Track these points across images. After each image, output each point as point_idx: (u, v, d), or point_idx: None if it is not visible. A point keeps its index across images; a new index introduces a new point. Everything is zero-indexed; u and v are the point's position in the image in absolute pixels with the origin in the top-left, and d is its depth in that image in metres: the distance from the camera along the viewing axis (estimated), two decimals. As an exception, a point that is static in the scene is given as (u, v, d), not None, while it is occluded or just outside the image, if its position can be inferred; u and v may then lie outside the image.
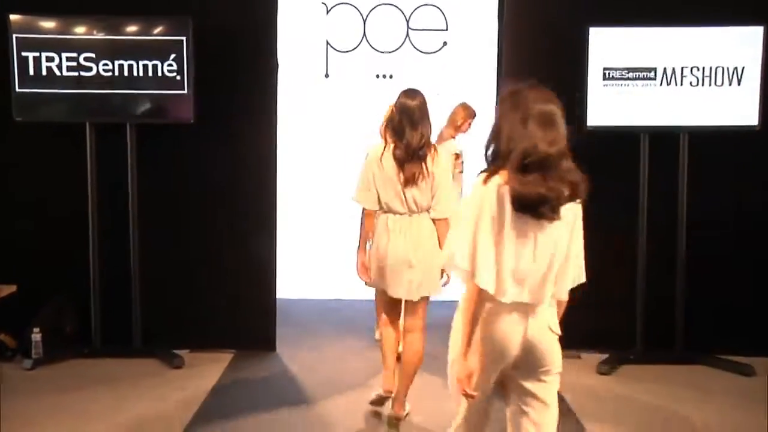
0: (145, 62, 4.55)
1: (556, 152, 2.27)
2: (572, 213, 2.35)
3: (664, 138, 4.70)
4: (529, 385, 2.35)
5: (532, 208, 2.25)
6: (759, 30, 4.50)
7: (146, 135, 4.73)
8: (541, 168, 2.25)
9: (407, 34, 6.42)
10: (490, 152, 2.34)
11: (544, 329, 2.33)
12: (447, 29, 6.40)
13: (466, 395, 2.30)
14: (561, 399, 4.13)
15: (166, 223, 4.90)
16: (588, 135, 4.64)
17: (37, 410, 3.99)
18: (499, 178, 2.29)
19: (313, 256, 6.55)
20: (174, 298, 4.91)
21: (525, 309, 2.31)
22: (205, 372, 4.57)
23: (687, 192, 4.69)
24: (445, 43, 6.43)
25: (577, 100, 4.58)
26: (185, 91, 4.56)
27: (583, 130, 4.60)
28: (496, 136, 2.33)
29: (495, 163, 2.31)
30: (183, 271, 4.91)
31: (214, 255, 4.91)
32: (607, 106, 4.60)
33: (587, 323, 4.77)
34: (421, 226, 3.59)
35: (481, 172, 2.33)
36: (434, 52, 6.42)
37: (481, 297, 2.28)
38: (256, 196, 4.88)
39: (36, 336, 4.65)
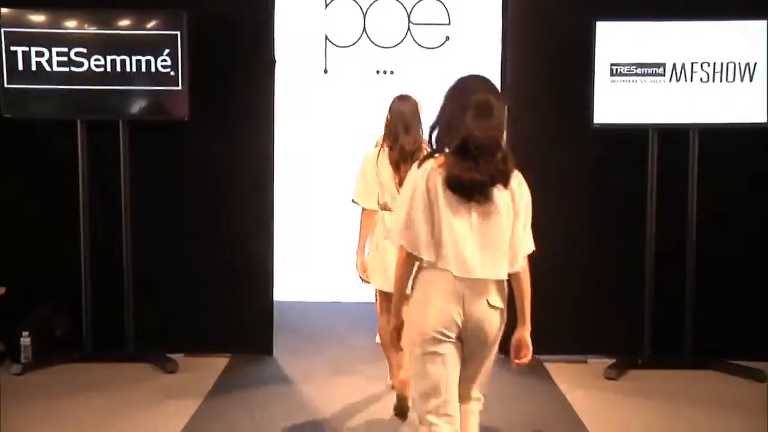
0: (139, 57, 4.53)
1: (490, 141, 2.53)
2: (522, 189, 2.63)
3: (673, 136, 4.68)
4: (470, 345, 2.60)
5: (464, 190, 2.52)
6: (771, 24, 4.47)
7: (139, 133, 4.71)
8: (477, 154, 2.51)
9: (408, 29, 6.41)
10: (433, 137, 2.62)
11: (485, 305, 2.56)
12: (449, 24, 6.39)
13: (400, 349, 2.76)
14: (567, 405, 4.18)
15: (160, 224, 4.88)
16: (595, 133, 4.65)
17: (26, 417, 3.97)
18: (433, 162, 2.57)
19: (311, 258, 6.54)
20: (168, 301, 4.90)
21: (470, 283, 2.55)
22: (199, 377, 4.56)
23: (697, 191, 4.67)
24: (447, 38, 6.42)
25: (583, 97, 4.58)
26: (180, 88, 4.55)
27: (590, 127, 4.60)
28: (438, 123, 2.62)
29: (437, 147, 2.61)
30: (177, 273, 4.89)
31: (209, 256, 4.91)
32: (615, 103, 4.58)
33: (593, 327, 4.87)
34: None
35: (423, 159, 2.63)
36: (436, 48, 6.40)
37: (412, 264, 2.61)
38: (253, 196, 4.87)
39: (25, 340, 4.63)
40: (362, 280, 4.04)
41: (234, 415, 4.05)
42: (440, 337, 2.55)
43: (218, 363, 4.79)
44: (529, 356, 2.73)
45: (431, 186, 2.56)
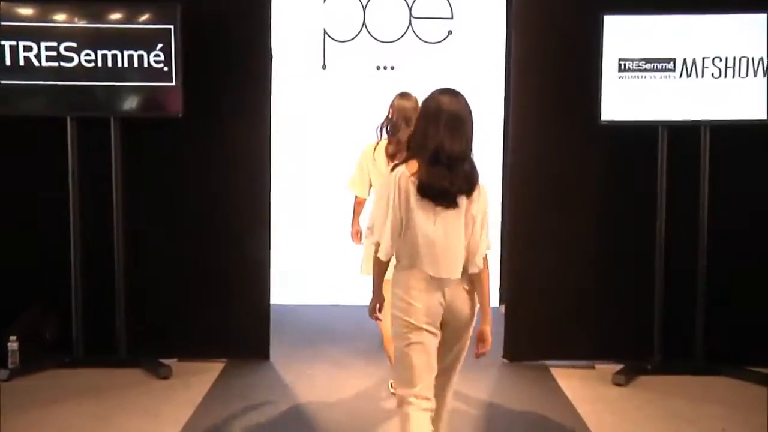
0: (131, 52, 4.51)
1: (459, 152, 2.87)
2: (481, 198, 2.95)
3: (683, 133, 4.66)
4: (448, 333, 2.98)
5: (434, 196, 2.87)
6: (786, 17, 4.45)
7: (131, 130, 4.70)
8: (446, 164, 2.86)
9: (410, 23, 6.39)
10: (412, 145, 2.96)
11: (460, 290, 2.94)
12: (452, 17, 6.37)
13: (376, 319, 3.18)
14: (574, 412, 4.16)
15: (153, 224, 4.87)
16: (602, 130, 4.64)
17: (13, 425, 3.94)
18: (404, 169, 2.91)
19: (309, 259, 6.53)
20: (161, 304, 4.89)
21: (439, 281, 2.91)
22: (194, 383, 4.54)
23: (708, 190, 4.66)
24: (450, 33, 6.40)
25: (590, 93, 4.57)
26: (173, 83, 4.53)
27: (597, 124, 4.59)
28: (415, 132, 2.95)
29: (412, 154, 2.94)
30: (171, 276, 4.88)
31: (204, 258, 4.89)
32: (623, 100, 4.57)
33: (601, 331, 4.87)
34: None
35: (397, 164, 2.97)
36: (438, 42, 6.38)
37: (385, 261, 2.99)
38: (249, 195, 4.86)
39: (13, 344, 4.61)
40: (356, 244, 4.55)
41: (230, 423, 4.02)
42: (426, 327, 2.90)
43: (213, 368, 4.78)
44: (488, 347, 3.08)
45: (404, 191, 2.90)
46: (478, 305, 3.00)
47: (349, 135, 6.34)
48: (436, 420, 2.99)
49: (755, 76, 4.49)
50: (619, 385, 4.57)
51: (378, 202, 2.97)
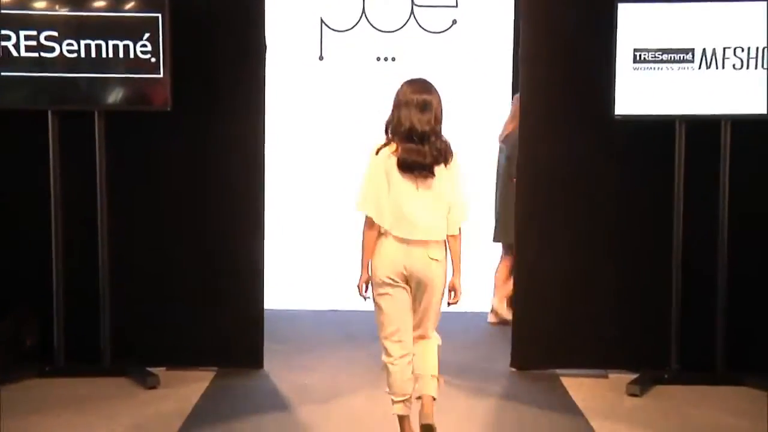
0: (116, 42, 4.49)
1: (429, 130, 3.56)
2: (453, 170, 3.61)
3: (703, 128, 4.64)
4: (419, 292, 3.65)
5: (411, 168, 3.55)
6: (814, 4, 4.43)
7: (117, 125, 4.68)
8: (419, 141, 3.55)
9: (412, 11, 6.40)
10: (389, 129, 3.62)
11: (424, 256, 3.58)
12: (456, 6, 6.41)
13: (362, 296, 3.73)
14: (586, 424, 4.12)
15: (139, 225, 4.86)
16: (616, 125, 4.63)
17: (-10, 437, 3.93)
18: (387, 149, 3.59)
19: (306, 262, 6.55)
20: (148, 309, 4.87)
21: (408, 245, 3.58)
22: (183, 392, 4.52)
23: (729, 189, 4.63)
24: (454, 22, 6.42)
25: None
26: (161, 75, 4.51)
27: (611, 119, 4.58)
28: (390, 118, 3.63)
29: (389, 137, 3.61)
30: (158, 279, 4.86)
31: (193, 260, 4.88)
32: (638, 93, 4.55)
33: (615, 338, 4.86)
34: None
35: (381, 146, 3.61)
36: (442, 32, 6.41)
37: (377, 232, 3.63)
38: (241, 194, 4.84)
39: (-10, 352, 4.60)
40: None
41: (220, 436, 4.02)
42: (394, 281, 3.61)
43: (203, 377, 4.76)
44: (459, 299, 3.72)
45: (388, 168, 3.57)
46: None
47: (348, 131, 6.41)
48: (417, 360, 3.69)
49: (779, 67, 4.47)
50: (634, 395, 4.54)
51: (367, 181, 3.63)
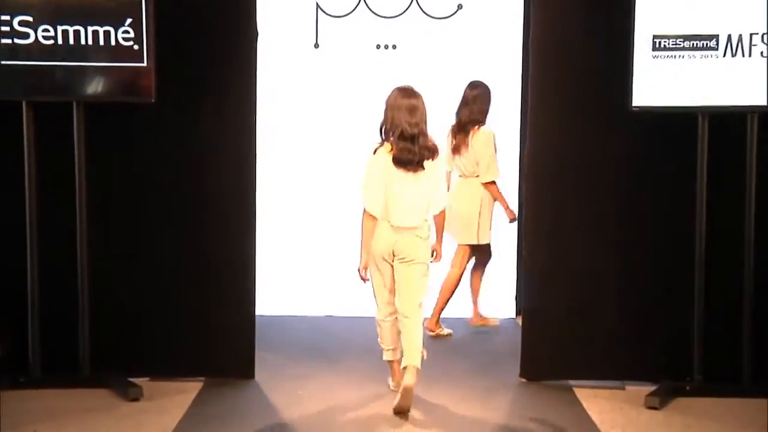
0: (96, 28, 4.47)
1: (417, 131, 4.45)
2: (435, 166, 4.54)
3: (727, 121, 4.62)
4: (401, 266, 4.56)
5: (405, 164, 4.45)
6: None
7: (97, 117, 4.66)
8: (410, 141, 4.45)
9: (414, -4, 6.37)
10: (382, 131, 4.52)
11: (411, 236, 4.52)
12: (462, -10, 6.38)
13: (363, 279, 4.67)
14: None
15: (121, 225, 4.85)
16: (634, 118, 4.62)
17: (-40, 454, 3.91)
18: (383, 149, 4.50)
19: (300, 264, 6.55)
20: (130, 316, 4.86)
21: (398, 229, 4.52)
22: (167, 405, 4.51)
23: (756, 187, 4.61)
24: (459, 7, 6.44)
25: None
26: (144, 64, 4.50)
27: (628, 111, 4.57)
28: (384, 121, 4.51)
29: (383, 138, 4.53)
30: (142, 283, 4.86)
31: (179, 264, 4.87)
32: (658, 83, 4.54)
33: (632, 347, 4.86)
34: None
35: (378, 146, 4.53)
36: (447, 18, 6.40)
37: (374, 222, 4.54)
38: (231, 192, 4.84)
39: (-40, 362, 4.58)
40: None
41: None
42: (383, 260, 4.56)
43: (190, 388, 4.75)
44: (439, 259, 4.78)
45: (386, 165, 4.47)
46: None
47: (345, 125, 6.42)
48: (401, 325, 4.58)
49: (810, 55, 4.46)
50: (653, 408, 4.53)
51: (368, 177, 4.52)
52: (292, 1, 6.37)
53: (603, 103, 4.74)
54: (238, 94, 4.78)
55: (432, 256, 4.69)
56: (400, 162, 4.46)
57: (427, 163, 4.48)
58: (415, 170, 4.47)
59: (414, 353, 4.47)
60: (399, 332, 4.60)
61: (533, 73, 4.87)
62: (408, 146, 4.45)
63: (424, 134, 4.48)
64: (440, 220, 4.70)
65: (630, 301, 4.86)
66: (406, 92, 4.52)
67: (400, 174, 4.47)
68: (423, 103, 4.50)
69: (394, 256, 4.55)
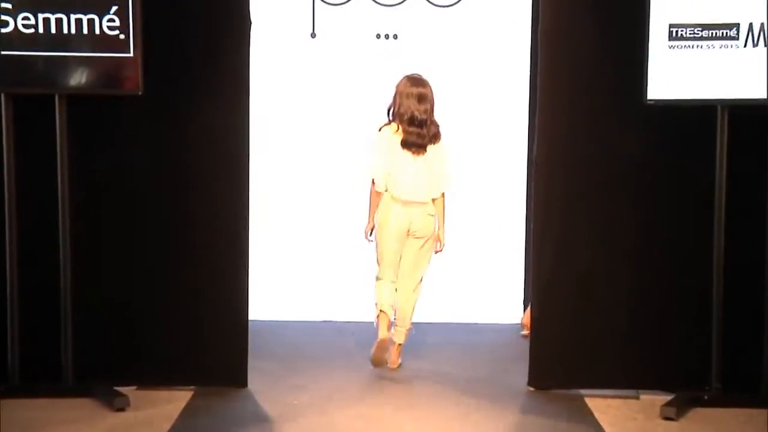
0: (79, 16, 4.45)
1: (426, 117, 5.16)
2: (437, 149, 5.22)
3: (748, 114, 4.60)
4: (413, 241, 5.29)
5: (411, 147, 5.17)
6: None
7: (81, 110, 4.64)
8: (418, 125, 5.16)
9: (416, -18, 6.39)
10: (390, 114, 5.24)
11: (424, 214, 5.24)
12: (467, -25, 6.36)
13: (367, 239, 5.37)
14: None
15: (107, 226, 4.84)
16: (648, 111, 4.62)
17: (-66, 468, 3.89)
18: (389, 129, 5.22)
19: (296, 266, 6.56)
20: (116, 321, 4.84)
21: (413, 204, 5.23)
22: (155, 415, 4.51)
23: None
24: None
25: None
26: (130, 54, 4.48)
27: (642, 104, 4.57)
28: (393, 104, 5.23)
29: (391, 119, 5.24)
30: (128, 287, 4.84)
31: (168, 265, 4.86)
32: (674, 74, 4.53)
33: (647, 354, 4.86)
34: None
35: (383, 125, 5.27)
36: (451, 6, 6.37)
37: (381, 195, 5.28)
38: (223, 190, 4.83)
39: (-65, 370, 4.58)
40: None
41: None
42: (390, 230, 5.25)
43: (179, 398, 4.75)
44: (442, 248, 5.38)
45: (391, 143, 5.19)
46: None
47: (343, 118, 6.42)
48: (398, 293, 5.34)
49: (837, 44, 4.44)
50: (669, 419, 4.52)
51: (373, 152, 5.24)
52: (287, -13, 6.37)
53: (617, 96, 4.74)
54: (230, 86, 4.76)
55: (437, 245, 5.33)
56: (407, 144, 5.17)
57: (430, 147, 5.19)
58: (418, 152, 5.18)
59: (400, 326, 5.29)
60: (392, 298, 5.30)
61: (542, 65, 4.86)
62: (417, 131, 5.16)
63: (431, 120, 5.20)
64: (440, 206, 5.30)
65: (644, 306, 4.85)
66: (416, 81, 5.20)
67: (405, 152, 5.18)
68: (431, 91, 5.20)
69: (406, 231, 5.24)
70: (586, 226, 4.85)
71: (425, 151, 5.16)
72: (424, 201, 5.22)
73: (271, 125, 6.29)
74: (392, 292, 5.31)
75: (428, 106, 5.16)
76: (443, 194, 5.28)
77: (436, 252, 5.34)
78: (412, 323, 5.34)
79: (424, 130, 5.15)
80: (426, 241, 5.27)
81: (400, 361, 5.33)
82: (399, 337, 5.29)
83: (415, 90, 5.15)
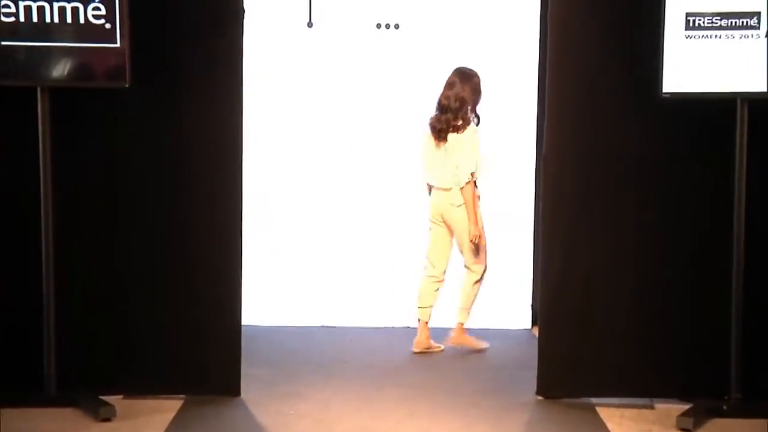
0: (62, 4, 4.44)
1: (448, 104, 5.63)
2: (459, 139, 5.62)
3: None
4: (449, 229, 5.87)
5: (433, 132, 5.72)
6: None
7: (64, 104, 4.64)
8: (441, 111, 5.67)
9: (418, -31, 6.42)
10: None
11: (447, 203, 5.71)
12: (472, -38, 6.38)
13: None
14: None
15: (91, 224, 4.83)
16: (664, 105, 4.61)
17: None
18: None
19: (291, 269, 6.58)
20: (102, 326, 4.84)
21: (439, 190, 5.78)
22: (143, 426, 4.50)
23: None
24: None
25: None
26: (117, 44, 4.47)
27: (657, 97, 4.56)
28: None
29: None
30: (114, 290, 4.84)
31: (156, 268, 4.85)
32: (691, 66, 4.51)
33: (662, 361, 4.85)
34: None
35: None
36: None
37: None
38: (214, 189, 4.82)
39: None
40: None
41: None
42: (432, 219, 5.86)
43: (169, 407, 4.74)
44: (474, 239, 5.70)
45: (429, 134, 5.84)
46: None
47: (341, 112, 6.41)
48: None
49: None
50: (685, 430, 4.50)
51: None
52: (282, -25, 6.37)
53: (630, 89, 4.73)
54: (223, 78, 4.76)
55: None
56: (431, 129, 5.73)
57: (450, 136, 5.62)
58: (439, 139, 5.67)
59: (461, 312, 5.87)
60: (435, 295, 5.87)
61: (551, 55, 4.86)
62: (438, 116, 5.67)
63: (457, 108, 5.61)
64: (464, 197, 5.65)
65: (660, 311, 4.84)
66: (454, 69, 5.72)
67: (432, 141, 5.73)
68: (464, 81, 5.65)
69: (442, 218, 5.79)
70: (596, 228, 4.85)
71: (446, 139, 5.62)
72: (444, 188, 5.67)
73: (265, 121, 6.32)
74: (429, 290, 5.84)
75: (453, 94, 5.60)
76: (467, 184, 5.62)
77: (471, 242, 5.70)
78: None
79: (443, 116, 5.61)
80: (455, 228, 5.72)
81: (448, 345, 5.88)
82: (460, 317, 5.87)
83: (449, 78, 5.67)
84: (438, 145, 5.67)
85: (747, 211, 4.62)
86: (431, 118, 5.69)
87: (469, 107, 5.68)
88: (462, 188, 5.64)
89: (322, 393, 5.05)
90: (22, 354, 4.72)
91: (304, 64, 6.44)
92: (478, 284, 5.82)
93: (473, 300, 5.85)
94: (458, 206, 5.65)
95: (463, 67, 5.71)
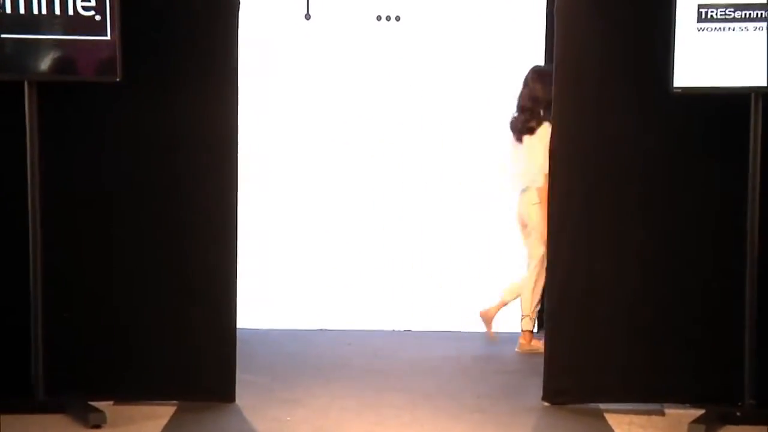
0: None
1: (523, 104, 5.81)
2: (531, 141, 5.78)
3: None
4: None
5: (515, 135, 5.94)
6: None
7: (52, 99, 4.64)
8: (517, 111, 5.89)
9: (420, -41, 6.44)
10: None
11: (526, 202, 5.92)
12: (477, -49, 6.38)
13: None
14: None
15: (81, 223, 4.82)
16: (675, 100, 4.60)
17: None
18: None
19: (288, 271, 6.60)
20: (92, 330, 4.83)
21: (521, 190, 6.00)
22: None
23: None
24: None
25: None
26: (108, 37, 4.46)
27: (668, 92, 4.55)
28: None
29: None
30: (104, 294, 4.84)
31: (149, 270, 4.85)
32: (703, 60, 4.51)
33: (673, 365, 4.84)
34: None
35: None
36: None
37: None
38: (208, 188, 4.82)
39: None
40: None
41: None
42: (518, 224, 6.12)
43: (161, 413, 4.73)
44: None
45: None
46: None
47: (340, 108, 6.40)
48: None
49: None
50: (697, 437, 4.52)
51: None
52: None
53: (640, 83, 4.73)
54: (218, 73, 4.75)
55: None
56: (511, 130, 5.93)
57: (525, 137, 5.81)
58: (516, 138, 5.88)
59: (522, 320, 6.00)
60: (510, 289, 6.08)
61: (558, 49, 4.84)
62: (516, 117, 5.87)
63: (530, 109, 5.79)
64: (542, 197, 5.66)
65: (669, 313, 4.84)
66: (531, 67, 5.87)
67: (513, 141, 5.93)
68: (536, 79, 5.75)
69: (522, 219, 5.96)
70: (605, 229, 4.85)
71: (520, 141, 5.83)
72: (523, 187, 5.87)
73: (261, 117, 6.32)
74: (510, 285, 6.10)
75: (525, 94, 5.79)
76: (540, 186, 5.74)
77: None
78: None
79: (520, 117, 5.82)
80: (530, 227, 5.87)
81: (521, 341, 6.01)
82: (522, 325, 6.00)
83: (525, 75, 5.83)
84: (516, 147, 5.87)
85: (762, 208, 4.61)
86: (511, 119, 5.86)
87: (543, 106, 5.69)
88: (539, 188, 5.72)
89: (321, 399, 5.04)
90: (8, 358, 4.71)
91: (302, 58, 6.45)
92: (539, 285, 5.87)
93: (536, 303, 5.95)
94: (534, 204, 5.79)
95: (538, 65, 5.85)
